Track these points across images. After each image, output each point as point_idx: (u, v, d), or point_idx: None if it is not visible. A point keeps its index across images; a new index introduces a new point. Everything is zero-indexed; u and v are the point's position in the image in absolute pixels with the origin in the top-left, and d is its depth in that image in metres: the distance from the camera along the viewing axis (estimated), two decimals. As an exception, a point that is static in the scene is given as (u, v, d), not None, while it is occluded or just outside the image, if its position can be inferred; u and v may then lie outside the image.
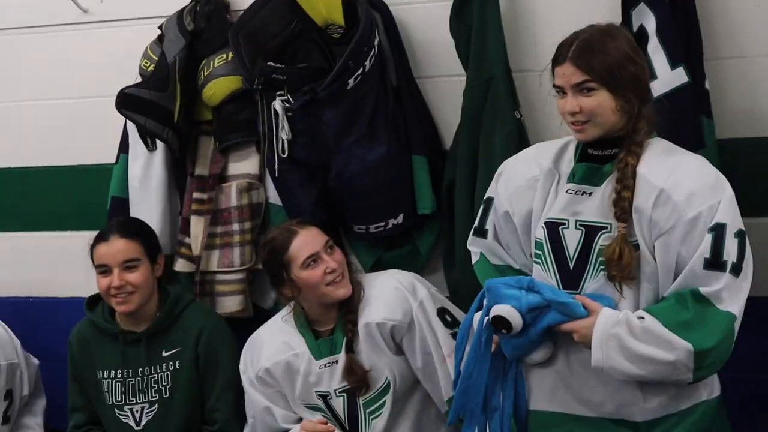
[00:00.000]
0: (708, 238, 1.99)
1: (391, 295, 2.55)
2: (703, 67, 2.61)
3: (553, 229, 2.14)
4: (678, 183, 2.03)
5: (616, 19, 2.62)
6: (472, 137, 2.76)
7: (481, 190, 2.66)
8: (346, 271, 2.56)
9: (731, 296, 1.99)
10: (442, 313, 2.59)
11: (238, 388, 2.75)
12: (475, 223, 2.32)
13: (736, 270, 2.00)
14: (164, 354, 2.76)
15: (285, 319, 2.65)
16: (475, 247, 2.33)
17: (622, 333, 1.99)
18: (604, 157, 2.12)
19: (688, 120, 2.55)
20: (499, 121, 2.71)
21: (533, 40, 2.81)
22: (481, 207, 2.32)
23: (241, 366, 2.70)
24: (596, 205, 2.09)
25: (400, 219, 2.89)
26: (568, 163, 2.18)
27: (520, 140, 2.71)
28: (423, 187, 2.87)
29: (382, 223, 2.89)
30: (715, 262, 1.99)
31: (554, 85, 2.10)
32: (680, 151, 2.14)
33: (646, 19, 2.58)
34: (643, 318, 2.00)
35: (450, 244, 2.87)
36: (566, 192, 2.13)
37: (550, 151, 2.22)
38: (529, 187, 2.19)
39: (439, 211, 2.90)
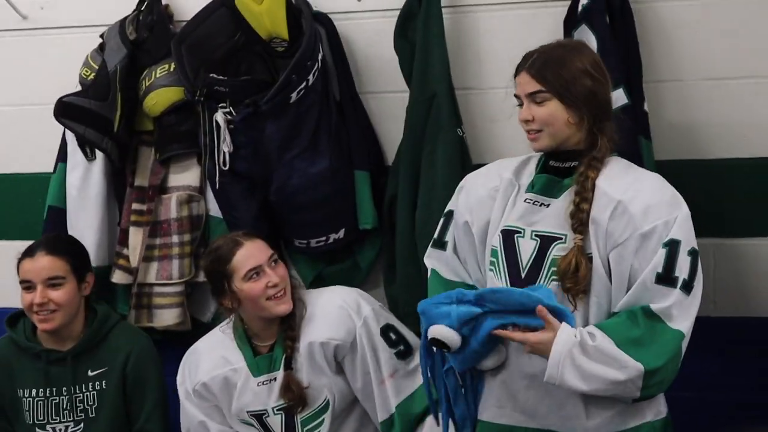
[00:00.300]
0: (662, 252, 2.01)
1: (335, 313, 2.54)
2: (642, 89, 2.64)
3: (509, 237, 2.14)
4: (635, 196, 2.05)
5: (558, 37, 2.61)
6: (414, 153, 2.77)
7: (422, 205, 2.71)
8: (289, 287, 2.54)
9: (681, 314, 2.01)
10: (386, 331, 2.57)
11: (166, 409, 2.75)
12: (435, 236, 2.31)
13: (687, 288, 2.02)
14: (90, 373, 2.72)
15: (224, 331, 2.63)
16: (430, 260, 2.31)
17: (576, 353, 1.99)
18: (564, 170, 2.14)
19: (627, 141, 2.41)
20: (441, 138, 2.72)
21: (477, 58, 2.83)
22: (441, 220, 2.31)
23: (179, 378, 2.67)
24: (553, 217, 2.11)
25: (341, 234, 2.88)
26: (528, 175, 2.20)
27: (462, 157, 2.73)
28: (365, 202, 2.87)
29: (324, 238, 2.88)
30: (666, 278, 2.01)
31: (515, 95, 2.14)
32: (639, 169, 2.17)
33: (588, 38, 2.59)
34: (594, 335, 2.00)
35: (391, 259, 2.87)
36: (524, 201, 2.15)
37: (512, 164, 2.24)
38: (489, 197, 2.21)
39: (381, 227, 2.90)
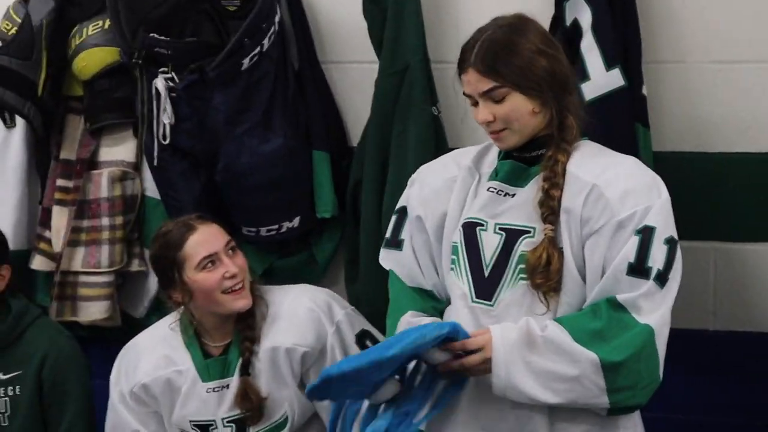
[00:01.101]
0: (634, 240, 1.96)
1: (304, 316, 2.48)
2: (641, 71, 2.57)
3: (470, 230, 2.10)
4: (612, 180, 2.00)
5: (549, 9, 2.59)
6: (382, 133, 2.72)
7: (390, 192, 2.65)
8: (248, 280, 2.47)
9: (650, 307, 1.96)
10: (362, 337, 2.53)
11: (90, 419, 2.70)
12: (387, 235, 2.25)
13: (661, 279, 1.97)
14: (2, 377, 2.65)
15: (171, 327, 2.55)
16: (387, 262, 2.25)
17: (521, 345, 1.96)
18: (530, 159, 2.09)
19: (621, 127, 2.51)
20: (413, 117, 2.68)
21: (456, 28, 2.74)
22: (393, 218, 2.25)
23: (113, 377, 2.59)
24: (519, 208, 2.06)
25: (295, 222, 2.84)
26: (490, 163, 2.15)
27: (437, 138, 2.68)
28: (324, 187, 2.84)
29: (276, 226, 2.84)
30: (639, 268, 1.96)
31: (465, 94, 2.07)
32: (612, 152, 2.12)
33: (581, 12, 2.53)
34: (545, 326, 1.97)
35: (353, 253, 2.82)
36: (487, 190, 2.10)
37: (470, 152, 2.19)
38: (446, 188, 2.15)
39: (342, 216, 2.88)
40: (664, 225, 1.99)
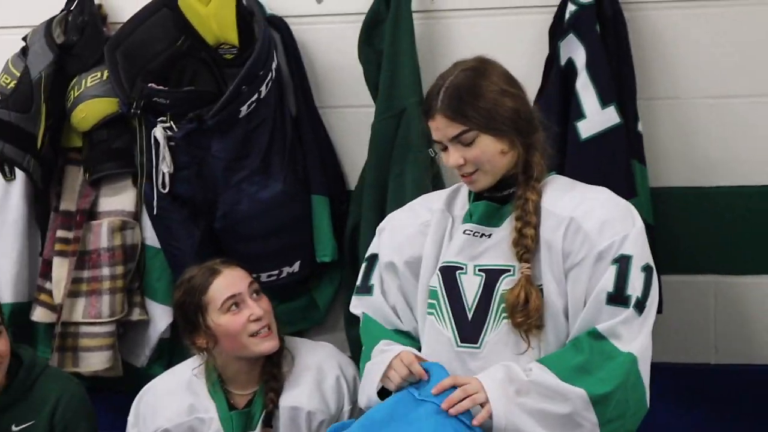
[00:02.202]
0: (612, 270, 2.00)
1: (331, 385, 2.45)
2: (636, 108, 2.63)
3: (450, 274, 2.11)
4: (588, 212, 2.04)
5: (543, 49, 2.66)
6: (380, 176, 2.74)
7: None
8: (274, 324, 2.45)
9: (631, 334, 1.99)
10: None
11: None
12: (357, 283, 2.28)
13: (640, 307, 2.00)
14: (14, 428, 2.59)
15: (195, 373, 2.52)
16: (358, 309, 2.27)
17: (511, 393, 1.96)
18: (501, 198, 2.12)
19: (618, 164, 2.55)
20: (410, 159, 2.69)
21: None
22: (363, 266, 2.27)
23: (130, 420, 2.56)
24: (496, 247, 2.09)
25: (296, 267, 2.85)
26: (462, 205, 2.18)
27: (433, 180, 2.69)
28: (323, 231, 2.84)
29: (276, 272, 2.84)
30: (618, 297, 1.99)
31: (434, 140, 2.10)
32: (583, 184, 2.15)
33: (576, 51, 2.58)
34: (530, 370, 1.98)
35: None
36: (463, 233, 2.12)
37: (440, 196, 2.22)
38: (419, 233, 2.18)
39: (341, 260, 2.87)
40: (641, 253, 2.02)
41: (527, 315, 2.01)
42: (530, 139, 2.08)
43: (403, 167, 2.70)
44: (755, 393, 2.71)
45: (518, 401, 1.95)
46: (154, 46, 2.84)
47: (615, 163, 2.54)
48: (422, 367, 2.02)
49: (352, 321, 2.72)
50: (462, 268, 2.11)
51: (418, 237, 2.18)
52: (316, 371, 2.46)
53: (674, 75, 2.70)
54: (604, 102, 2.54)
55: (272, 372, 2.45)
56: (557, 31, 2.64)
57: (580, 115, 2.54)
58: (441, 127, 2.05)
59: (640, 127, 2.62)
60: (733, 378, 2.73)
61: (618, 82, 2.60)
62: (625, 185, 2.50)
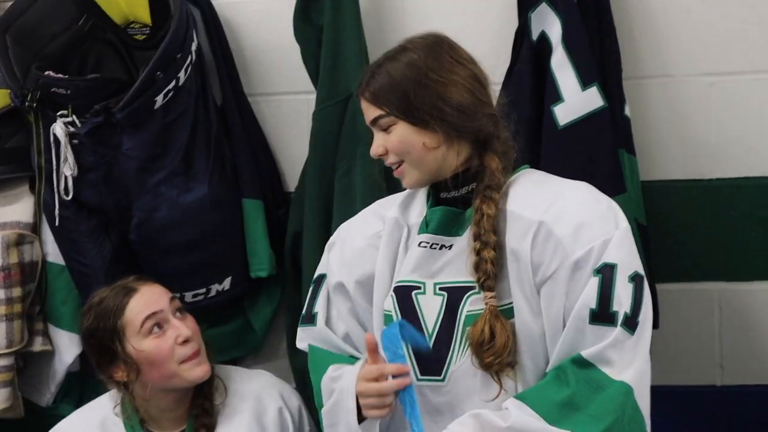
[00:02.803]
0: (593, 282, 1.88)
1: (273, 419, 2.39)
2: (622, 88, 2.54)
3: (405, 296, 2.01)
4: (561, 214, 1.92)
5: (511, 20, 2.56)
6: (324, 175, 2.67)
7: None
8: (203, 347, 2.36)
9: (623, 358, 1.87)
10: None
11: None
12: (303, 311, 2.19)
13: (630, 325, 1.88)
14: None
15: (116, 413, 2.41)
16: (305, 341, 2.18)
17: None
18: (462, 199, 2.01)
19: (603, 155, 2.46)
20: (359, 154, 2.60)
21: None
22: (311, 288, 2.19)
23: None
24: (458, 260, 1.98)
25: (226, 284, 2.78)
26: (419, 212, 2.07)
27: (387, 179, 2.56)
28: (258, 241, 2.76)
29: (203, 290, 2.76)
30: (602, 314, 1.87)
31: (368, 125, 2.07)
32: (558, 179, 2.05)
33: (549, 23, 2.48)
34: (507, 413, 1.87)
35: (295, 317, 2.54)
36: (419, 246, 2.01)
37: (395, 201, 2.13)
38: (371, 246, 2.09)
39: (281, 275, 2.81)
40: (627, 260, 1.91)
41: (495, 354, 1.89)
42: (480, 138, 1.98)
43: (351, 164, 2.63)
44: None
45: None
46: (50, 27, 2.74)
47: (599, 153, 2.45)
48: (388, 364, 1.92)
49: (296, 347, 2.59)
50: (419, 288, 2.00)
51: (369, 252, 2.09)
52: (254, 402, 2.40)
53: (666, 49, 2.60)
54: (585, 82, 2.44)
55: (203, 406, 2.37)
56: (527, 1, 2.54)
57: (557, 99, 2.44)
58: (364, 110, 2.02)
59: (627, 110, 2.54)
60: (742, 401, 2.67)
61: (600, 58, 2.51)
62: (612, 180, 2.42)
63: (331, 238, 2.19)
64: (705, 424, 2.65)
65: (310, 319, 2.15)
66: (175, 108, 2.62)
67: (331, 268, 2.14)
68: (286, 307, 2.80)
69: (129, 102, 2.54)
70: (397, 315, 2.01)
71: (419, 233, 2.03)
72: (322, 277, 2.17)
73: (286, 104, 2.81)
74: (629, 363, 1.87)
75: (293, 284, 2.75)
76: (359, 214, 2.20)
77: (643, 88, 2.60)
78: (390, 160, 2.00)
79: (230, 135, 2.77)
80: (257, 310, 2.85)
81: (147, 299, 2.33)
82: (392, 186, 2.49)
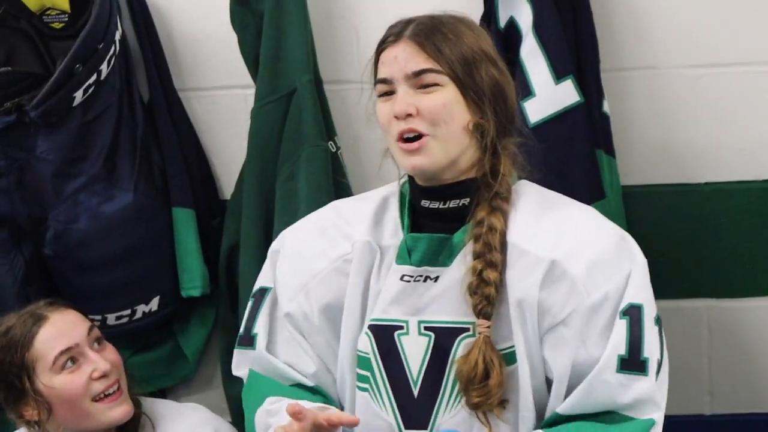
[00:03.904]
0: (621, 326, 1.78)
1: None
2: (600, 82, 2.49)
3: (384, 336, 1.87)
4: (573, 250, 1.80)
5: (476, 5, 2.48)
6: (264, 180, 2.60)
7: None
8: (125, 382, 2.29)
9: (652, 408, 1.82)
10: None
11: None
12: (241, 329, 2.02)
13: (658, 372, 1.85)
14: None
15: None
16: (242, 367, 2.03)
17: None
18: (450, 214, 1.86)
19: (579, 157, 2.41)
20: (304, 156, 2.54)
21: (356, 38, 2.67)
22: (249, 303, 2.02)
23: None
24: (447, 295, 1.85)
25: (153, 305, 2.70)
26: (393, 229, 1.91)
27: (335, 184, 2.55)
28: (189, 255, 2.70)
29: (127, 312, 2.68)
30: (634, 362, 1.79)
31: (378, 81, 1.85)
32: (556, 199, 1.94)
33: (518, 10, 2.43)
34: None
35: (231, 341, 2.38)
36: (400, 279, 1.87)
37: (362, 213, 1.95)
38: (336, 270, 1.92)
39: (215, 293, 2.74)
40: (649, 300, 1.83)
41: (487, 394, 1.78)
42: (502, 138, 1.86)
43: (294, 167, 2.55)
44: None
45: None
46: (-47, 15, 2.67)
47: (574, 155, 2.40)
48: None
49: (232, 375, 2.42)
50: (401, 327, 1.87)
51: (335, 278, 1.92)
52: None
53: (648, 38, 2.54)
54: (558, 74, 2.39)
55: None
56: (496, -16, 2.53)
57: (528, 93, 2.38)
58: (401, 57, 1.81)
59: (605, 107, 2.48)
60: (732, 430, 2.67)
61: (576, 47, 2.46)
62: (589, 184, 2.38)
63: (275, 243, 2.03)
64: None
65: (249, 341, 2.00)
66: (96, 105, 2.56)
67: (279, 288, 1.99)
68: (221, 330, 2.73)
69: (44, 98, 2.48)
70: (376, 357, 1.88)
71: (399, 263, 1.88)
72: (265, 290, 2.00)
73: (222, 100, 2.74)
74: (659, 403, 1.84)
75: (229, 304, 2.69)
76: (311, 219, 2.03)
77: (624, 81, 2.56)
78: (416, 125, 1.80)
79: (158, 135, 2.69)
80: (189, 334, 2.80)
81: (59, 330, 2.25)
82: (341, 192, 2.50)
